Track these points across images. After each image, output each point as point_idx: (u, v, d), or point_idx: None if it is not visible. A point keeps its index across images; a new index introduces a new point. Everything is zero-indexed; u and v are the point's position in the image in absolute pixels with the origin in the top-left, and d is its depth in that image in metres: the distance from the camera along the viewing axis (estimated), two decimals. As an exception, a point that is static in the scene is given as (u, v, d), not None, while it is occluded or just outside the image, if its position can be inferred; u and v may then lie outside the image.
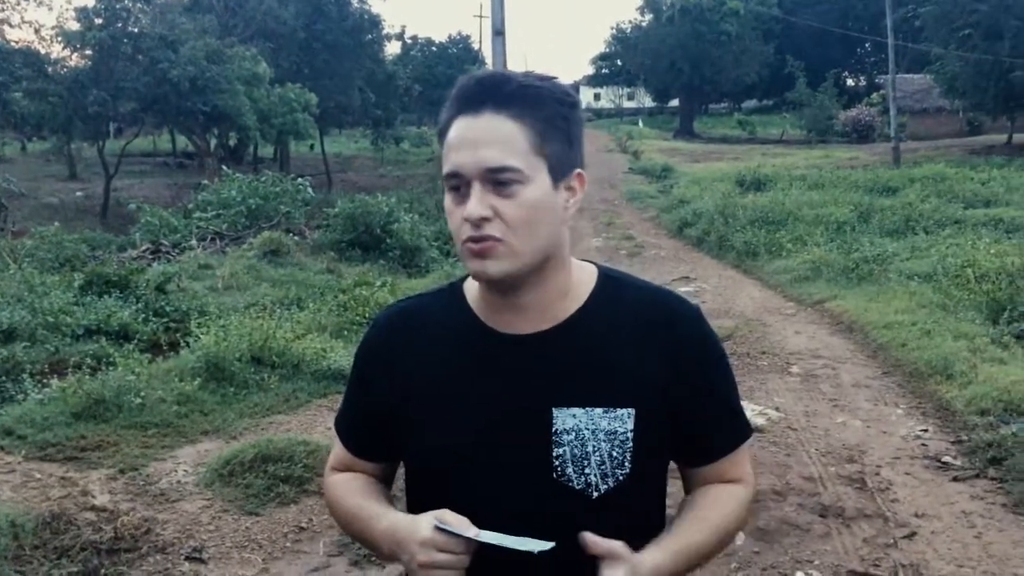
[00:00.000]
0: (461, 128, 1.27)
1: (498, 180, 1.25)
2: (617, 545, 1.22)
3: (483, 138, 1.25)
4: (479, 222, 1.24)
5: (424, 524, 1.24)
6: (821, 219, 14.59)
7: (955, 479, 4.85)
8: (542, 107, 1.28)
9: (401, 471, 1.51)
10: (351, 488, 1.47)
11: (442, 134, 1.31)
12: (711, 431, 1.40)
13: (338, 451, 1.54)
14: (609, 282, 1.40)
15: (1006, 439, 5.15)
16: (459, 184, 1.27)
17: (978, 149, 29.14)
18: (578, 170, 1.33)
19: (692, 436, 1.39)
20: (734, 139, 44.75)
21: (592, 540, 1.21)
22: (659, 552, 1.28)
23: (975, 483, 4.79)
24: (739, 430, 1.44)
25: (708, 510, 1.38)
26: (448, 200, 1.30)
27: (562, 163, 1.30)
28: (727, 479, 1.42)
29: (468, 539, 1.22)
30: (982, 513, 4.41)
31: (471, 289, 1.41)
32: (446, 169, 1.28)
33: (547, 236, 1.30)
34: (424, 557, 1.22)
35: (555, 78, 1.33)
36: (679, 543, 1.32)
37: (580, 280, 1.38)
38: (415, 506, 1.41)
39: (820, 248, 12.11)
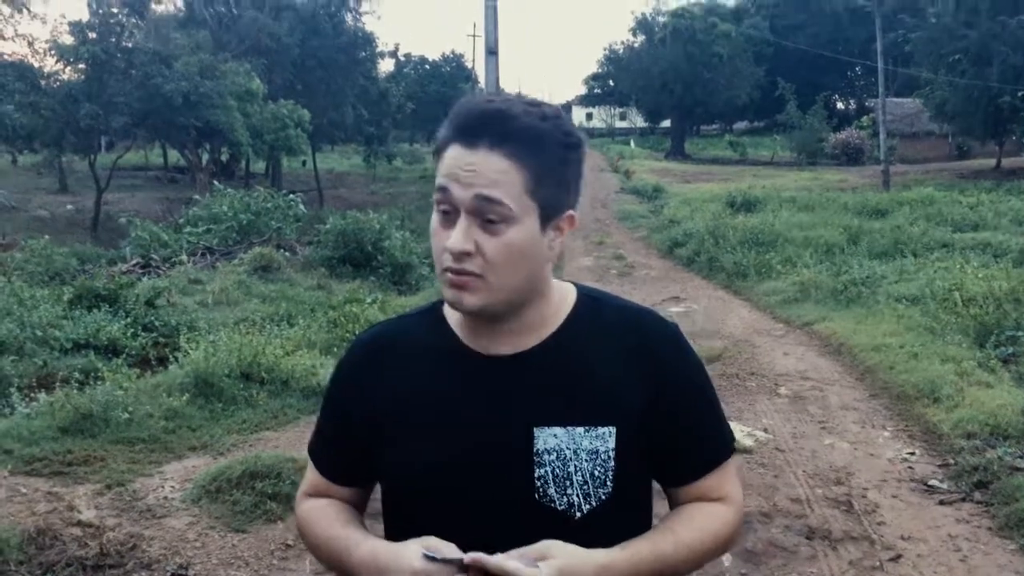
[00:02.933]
0: (456, 157, 1.25)
1: (486, 216, 1.24)
2: (537, 548, 1.21)
3: (477, 172, 1.23)
4: (460, 256, 1.24)
5: (412, 553, 1.23)
6: (810, 241, 14.65)
7: (941, 502, 4.86)
8: (541, 151, 1.26)
9: (376, 495, 1.49)
10: (326, 515, 1.44)
11: (438, 152, 1.30)
12: (691, 449, 1.39)
13: (312, 477, 1.51)
14: (588, 302, 1.40)
15: (992, 463, 5.16)
16: (448, 208, 1.26)
17: (967, 173, 29.41)
18: (570, 212, 1.32)
19: (672, 454, 1.38)
20: (725, 160, 44.99)
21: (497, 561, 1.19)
22: (616, 551, 1.27)
23: (961, 506, 4.80)
24: (720, 448, 1.42)
25: (679, 525, 1.36)
26: (435, 220, 1.29)
27: (554, 207, 1.29)
28: (710, 499, 1.40)
29: (458, 564, 1.21)
30: (968, 536, 4.42)
31: (452, 310, 1.40)
32: (438, 185, 1.27)
33: (527, 277, 1.29)
34: None
35: (559, 115, 1.30)
36: (642, 549, 1.29)
37: (560, 301, 1.39)
38: (393, 528, 1.41)
39: (809, 270, 12.14)
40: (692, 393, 1.39)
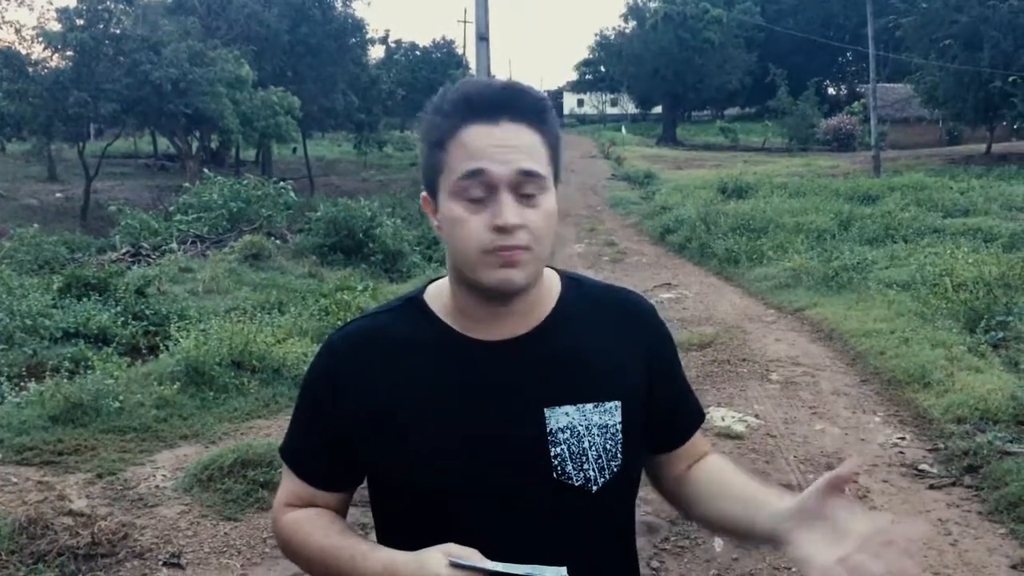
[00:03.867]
0: (481, 135, 1.24)
1: (524, 190, 1.24)
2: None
3: (512, 145, 1.24)
4: (514, 230, 1.23)
5: (436, 561, 1.20)
6: (802, 227, 14.68)
7: (932, 487, 4.89)
8: (549, 121, 1.29)
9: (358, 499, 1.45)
10: (318, 525, 1.38)
11: (439, 141, 1.26)
12: (681, 412, 1.50)
13: (292, 486, 1.43)
14: (572, 283, 1.42)
15: (982, 447, 5.19)
16: (480, 193, 1.24)
17: (957, 158, 29.45)
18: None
19: (666, 420, 1.45)
20: (716, 146, 44.98)
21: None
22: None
23: (951, 491, 4.83)
24: (699, 409, 1.54)
25: (735, 474, 1.49)
26: (460, 208, 1.25)
27: (558, 173, 1.33)
28: (700, 453, 1.51)
29: (486, 571, 1.18)
30: (958, 521, 4.45)
31: (436, 300, 1.38)
32: (469, 167, 1.23)
33: (552, 243, 1.32)
34: None
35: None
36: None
37: (548, 284, 1.40)
38: (395, 531, 1.36)
39: (801, 256, 12.16)
40: (675, 362, 1.50)
